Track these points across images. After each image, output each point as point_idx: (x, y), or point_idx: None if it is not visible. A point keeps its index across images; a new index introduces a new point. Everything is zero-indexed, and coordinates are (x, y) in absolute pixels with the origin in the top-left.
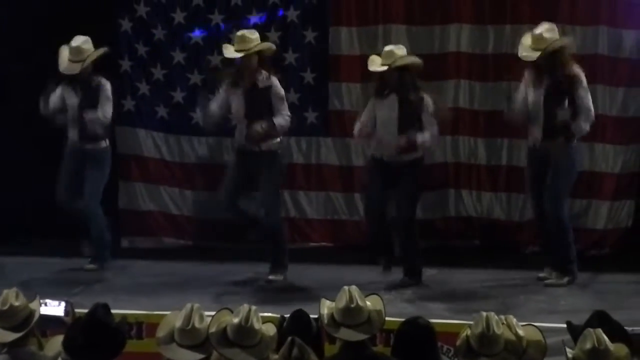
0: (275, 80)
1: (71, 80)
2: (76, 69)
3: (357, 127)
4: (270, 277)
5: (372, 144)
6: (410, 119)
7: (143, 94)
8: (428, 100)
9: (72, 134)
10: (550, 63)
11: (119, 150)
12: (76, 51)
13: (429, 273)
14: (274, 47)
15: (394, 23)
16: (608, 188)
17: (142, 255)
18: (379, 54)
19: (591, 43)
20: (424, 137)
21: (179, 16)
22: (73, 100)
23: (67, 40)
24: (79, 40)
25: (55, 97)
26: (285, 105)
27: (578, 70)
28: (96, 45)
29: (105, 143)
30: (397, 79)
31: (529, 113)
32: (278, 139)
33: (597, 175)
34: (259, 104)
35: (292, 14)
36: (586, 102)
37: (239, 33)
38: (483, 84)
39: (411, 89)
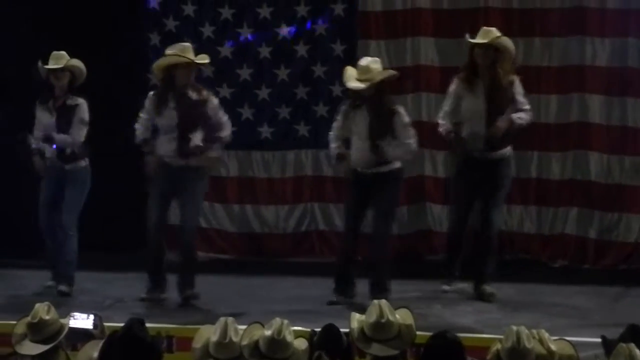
0: (211, 96)
1: (47, 98)
2: (57, 66)
3: (333, 139)
4: (188, 292)
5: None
6: (381, 130)
7: None
8: (401, 112)
9: (50, 154)
10: (491, 59)
11: None
12: (57, 56)
13: (459, 286)
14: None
15: (422, 36)
16: (638, 201)
17: (172, 269)
18: (354, 66)
19: (620, 55)
20: (395, 150)
21: (207, 30)
22: (48, 118)
23: (97, 55)
24: (60, 52)
25: (37, 125)
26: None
27: (515, 77)
28: (123, 60)
29: (84, 162)
30: (373, 93)
31: (467, 120)
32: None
33: (627, 189)
34: (193, 117)
35: (321, 27)
36: (526, 104)
37: (184, 44)
38: None
39: (383, 101)
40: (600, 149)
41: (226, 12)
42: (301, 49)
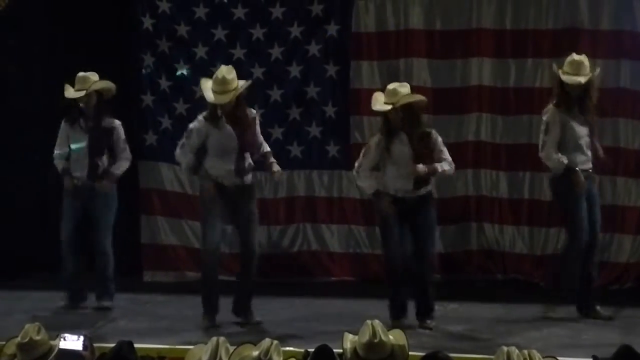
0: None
1: (76, 118)
2: (80, 94)
3: (358, 166)
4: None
5: (383, 182)
6: (423, 153)
7: (165, 128)
8: (435, 133)
9: (81, 174)
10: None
11: (141, 184)
12: (82, 80)
13: (450, 307)
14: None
15: (415, 57)
16: (630, 222)
17: (164, 290)
18: (382, 90)
19: (613, 76)
20: (443, 167)
21: (200, 51)
22: (81, 139)
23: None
24: (87, 73)
25: (61, 143)
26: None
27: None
28: (116, 80)
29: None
30: (402, 117)
31: (575, 145)
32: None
33: (619, 209)
34: (250, 138)
35: (314, 48)
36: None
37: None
38: (504, 117)
39: (416, 125)
40: None
41: (219, 33)
42: (294, 70)
